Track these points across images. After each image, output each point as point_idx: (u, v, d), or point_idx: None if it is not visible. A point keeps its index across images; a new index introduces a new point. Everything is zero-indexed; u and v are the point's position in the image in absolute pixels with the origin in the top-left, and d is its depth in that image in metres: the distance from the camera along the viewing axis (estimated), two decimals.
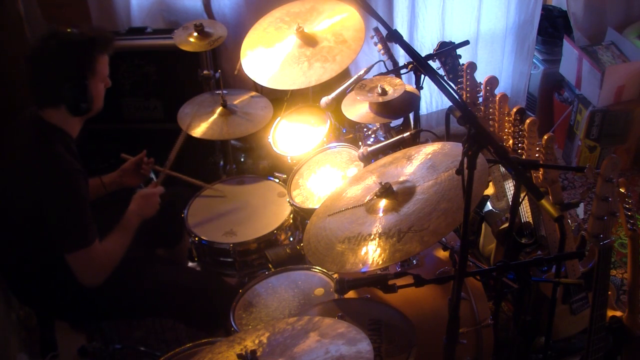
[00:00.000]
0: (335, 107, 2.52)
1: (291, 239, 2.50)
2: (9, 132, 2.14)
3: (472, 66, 2.27)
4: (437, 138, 2.54)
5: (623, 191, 1.90)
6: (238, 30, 3.11)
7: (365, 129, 2.70)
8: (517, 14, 3.58)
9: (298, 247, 2.40)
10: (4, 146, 2.12)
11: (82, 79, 2.03)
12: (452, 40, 2.49)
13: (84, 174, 2.08)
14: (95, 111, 2.17)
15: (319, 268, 2.20)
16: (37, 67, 2.05)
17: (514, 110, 2.11)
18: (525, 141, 2.07)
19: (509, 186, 2.48)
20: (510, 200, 2.37)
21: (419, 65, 1.60)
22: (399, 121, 2.70)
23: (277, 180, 2.67)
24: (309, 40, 2.64)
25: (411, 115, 2.57)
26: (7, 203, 2.09)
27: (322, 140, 2.66)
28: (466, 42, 2.42)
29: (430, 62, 2.40)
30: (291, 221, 2.48)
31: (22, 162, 2.05)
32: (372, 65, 2.61)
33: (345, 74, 2.69)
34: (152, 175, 2.54)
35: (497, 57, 3.70)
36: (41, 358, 2.62)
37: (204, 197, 2.61)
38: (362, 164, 2.35)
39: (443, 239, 1.97)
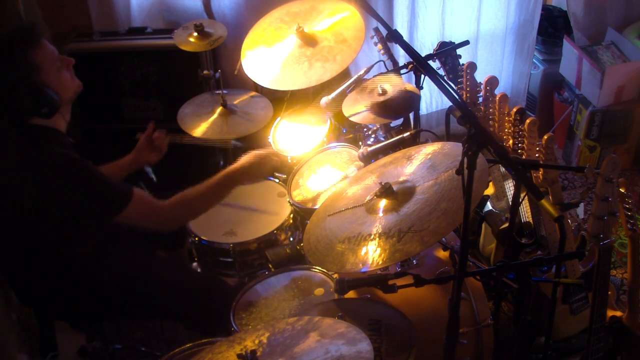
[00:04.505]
0: (335, 107, 2.52)
1: (291, 239, 2.50)
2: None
3: (472, 66, 2.27)
4: (437, 138, 2.54)
5: (623, 191, 1.90)
6: (238, 30, 3.11)
7: (365, 129, 2.70)
8: (517, 14, 3.58)
9: (298, 247, 2.40)
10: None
11: (31, 84, 1.90)
12: (452, 40, 2.49)
13: (83, 160, 2.04)
14: (73, 93, 2.06)
15: (319, 268, 2.20)
16: None
17: (514, 110, 2.11)
18: (525, 141, 2.07)
19: (509, 186, 2.48)
20: (510, 200, 2.37)
21: (419, 65, 1.60)
22: (399, 121, 2.70)
23: (277, 180, 2.67)
24: (309, 40, 2.64)
25: (411, 115, 2.57)
26: (8, 206, 2.07)
27: (322, 140, 2.66)
28: (466, 42, 2.42)
29: (430, 62, 2.40)
30: (291, 221, 2.48)
31: (20, 167, 1.99)
32: (372, 65, 2.61)
33: (345, 74, 2.69)
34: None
35: (497, 57, 3.70)
36: (41, 358, 2.62)
37: None
38: (362, 164, 2.35)
39: (443, 239, 1.97)
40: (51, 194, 1.95)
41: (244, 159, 2.25)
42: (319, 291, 2.13)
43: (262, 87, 2.67)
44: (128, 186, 2.02)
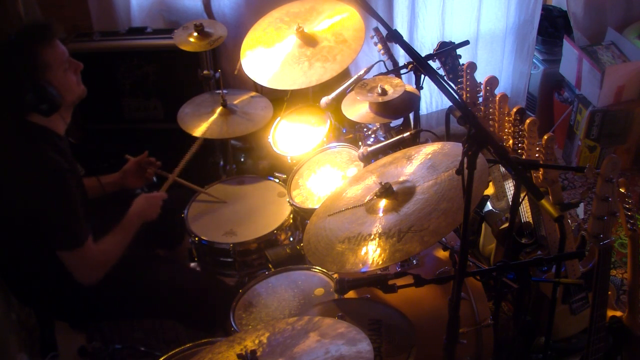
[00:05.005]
0: (335, 107, 2.52)
1: (291, 239, 2.50)
2: None
3: (472, 66, 2.27)
4: (437, 138, 2.54)
5: (623, 191, 1.90)
6: (238, 30, 3.11)
7: (365, 129, 2.70)
8: (517, 14, 3.58)
9: (298, 247, 2.40)
10: None
11: (36, 80, 1.92)
12: (452, 40, 2.49)
13: (73, 173, 2.05)
14: (76, 98, 2.09)
15: (319, 268, 2.20)
16: None
17: (514, 110, 2.11)
18: (525, 141, 2.07)
19: (509, 186, 2.48)
20: (510, 200, 2.37)
21: (419, 65, 1.60)
22: (399, 121, 2.70)
23: (277, 180, 2.67)
24: (309, 40, 2.64)
25: (411, 115, 2.57)
26: (3, 203, 2.07)
27: (322, 140, 2.66)
28: (466, 42, 2.42)
29: (430, 62, 2.40)
30: (291, 221, 2.48)
31: (10, 165, 2.00)
32: (372, 65, 2.61)
33: (345, 74, 2.69)
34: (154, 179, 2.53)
35: (497, 57, 3.70)
36: (41, 358, 2.62)
37: (204, 200, 2.61)
38: (362, 164, 2.35)
39: (443, 239, 1.97)
40: (26, 191, 1.96)
41: (137, 203, 2.26)
42: (319, 291, 2.13)
43: (262, 87, 2.68)
44: (87, 233, 2.02)
